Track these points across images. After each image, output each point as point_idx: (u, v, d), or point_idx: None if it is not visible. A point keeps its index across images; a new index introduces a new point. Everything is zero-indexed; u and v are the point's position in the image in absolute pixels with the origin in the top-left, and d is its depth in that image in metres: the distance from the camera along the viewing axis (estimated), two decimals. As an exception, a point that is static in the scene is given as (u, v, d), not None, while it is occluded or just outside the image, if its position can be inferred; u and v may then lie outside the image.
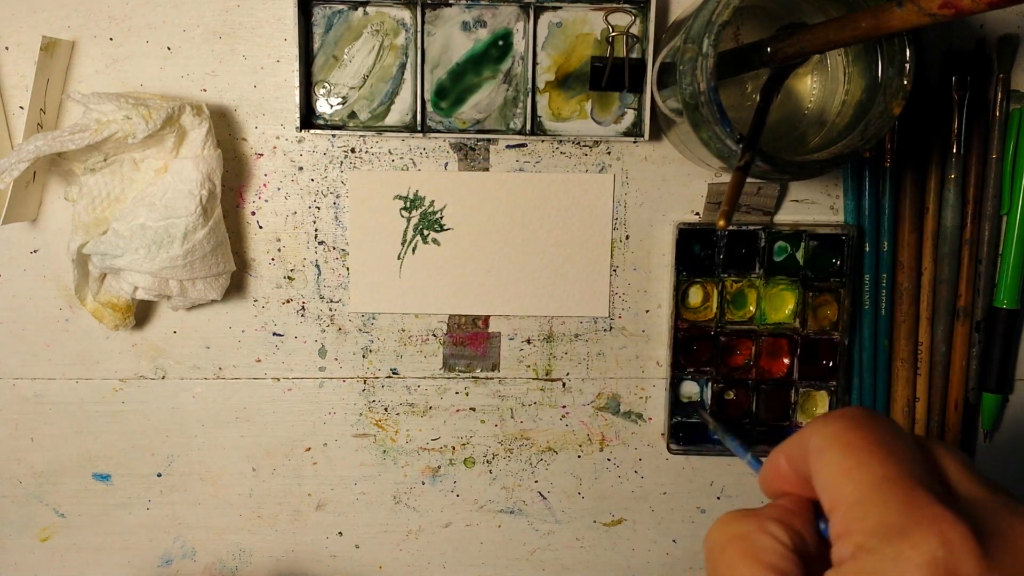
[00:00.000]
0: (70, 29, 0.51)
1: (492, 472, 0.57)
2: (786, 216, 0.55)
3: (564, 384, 0.56)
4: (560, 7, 0.51)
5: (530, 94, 0.52)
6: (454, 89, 0.52)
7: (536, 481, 0.57)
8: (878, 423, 0.26)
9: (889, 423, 0.26)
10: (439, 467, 0.57)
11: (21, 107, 0.52)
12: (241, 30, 0.52)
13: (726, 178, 0.54)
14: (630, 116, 0.53)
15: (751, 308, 0.54)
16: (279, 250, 0.54)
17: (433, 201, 0.54)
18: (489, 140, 0.53)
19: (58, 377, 0.56)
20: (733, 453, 0.48)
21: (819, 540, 0.27)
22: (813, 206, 0.55)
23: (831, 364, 0.55)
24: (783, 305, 0.54)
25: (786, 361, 0.55)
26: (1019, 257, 0.53)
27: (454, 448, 0.57)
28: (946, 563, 0.22)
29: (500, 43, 0.52)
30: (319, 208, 0.54)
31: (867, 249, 0.54)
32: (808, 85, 0.49)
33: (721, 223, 0.38)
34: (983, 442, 0.57)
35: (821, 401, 0.55)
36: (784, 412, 0.55)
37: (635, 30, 0.51)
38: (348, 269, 0.55)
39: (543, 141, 0.53)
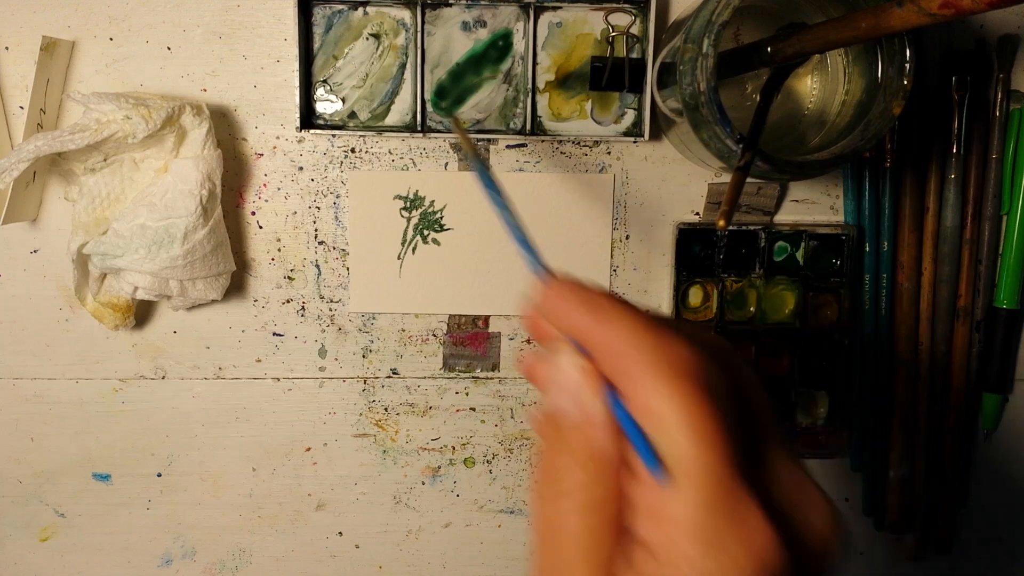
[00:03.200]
0: (70, 29, 0.51)
1: (492, 472, 0.57)
2: (786, 216, 0.55)
3: (564, 384, 0.56)
4: (560, 7, 0.51)
5: (530, 94, 0.52)
6: (454, 89, 0.52)
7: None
8: (718, 397, 0.25)
9: (720, 386, 0.26)
10: (439, 467, 0.57)
11: (21, 107, 0.52)
12: (241, 30, 0.52)
13: (726, 178, 0.54)
14: (630, 116, 0.53)
15: (751, 308, 0.54)
16: (279, 250, 0.54)
17: (433, 201, 0.54)
18: (489, 140, 0.53)
19: (58, 377, 0.56)
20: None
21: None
22: (813, 206, 0.55)
23: (831, 364, 0.54)
24: (783, 305, 0.54)
25: (786, 361, 0.55)
26: (1019, 257, 0.53)
27: (454, 448, 0.57)
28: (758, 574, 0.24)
29: (500, 43, 0.52)
30: (319, 208, 0.54)
31: (867, 249, 0.54)
32: (808, 85, 0.49)
33: (721, 223, 0.38)
34: (983, 442, 0.57)
35: (821, 401, 0.55)
36: (786, 413, 0.55)
37: (635, 30, 0.51)
38: (348, 269, 0.55)
39: (543, 141, 0.53)
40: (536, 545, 0.27)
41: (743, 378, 0.28)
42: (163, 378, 0.56)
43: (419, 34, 0.51)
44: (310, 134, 0.53)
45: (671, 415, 0.24)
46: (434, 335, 0.56)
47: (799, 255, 0.54)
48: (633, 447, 0.25)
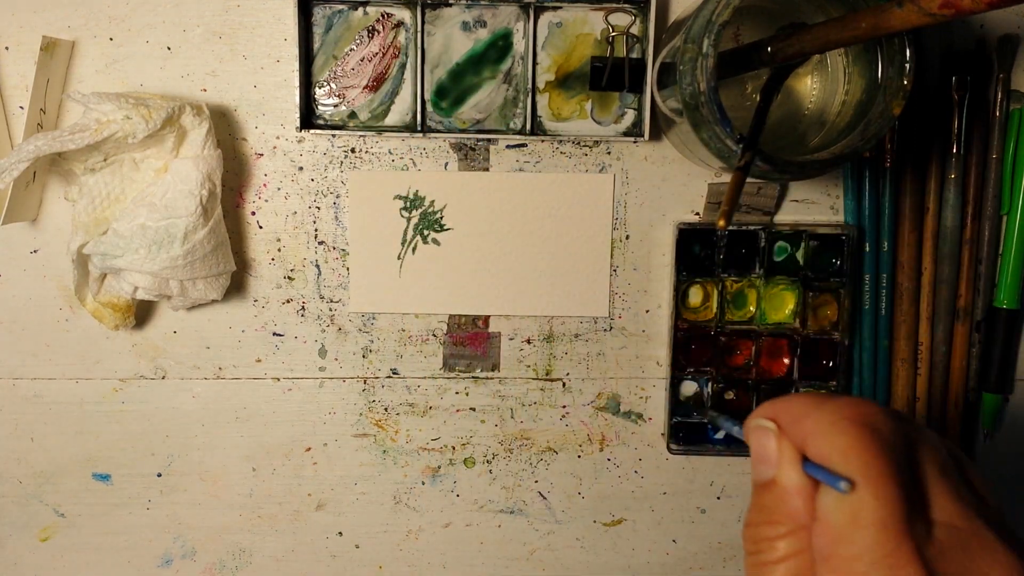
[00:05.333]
0: (70, 29, 0.51)
1: (492, 472, 0.57)
2: (786, 216, 0.55)
3: (564, 384, 0.56)
4: (560, 7, 0.51)
5: (530, 94, 0.52)
6: (454, 89, 0.52)
7: (536, 481, 0.57)
8: (888, 445, 0.26)
9: (893, 438, 0.27)
10: (439, 467, 0.57)
11: (21, 107, 0.52)
12: (241, 30, 0.52)
13: (726, 178, 0.54)
14: (630, 116, 0.53)
15: (751, 308, 0.54)
16: (279, 250, 0.54)
17: (433, 201, 0.54)
18: (489, 140, 0.53)
19: (58, 377, 0.56)
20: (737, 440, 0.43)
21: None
22: (813, 206, 0.55)
23: (831, 364, 0.55)
24: (783, 305, 0.54)
25: (786, 361, 0.55)
26: (1019, 257, 0.53)
27: (454, 448, 0.57)
28: None
29: (500, 43, 0.52)
30: (319, 208, 0.54)
31: (867, 249, 0.54)
32: (808, 85, 0.49)
33: (721, 223, 0.38)
34: (983, 442, 0.57)
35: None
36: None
37: (635, 30, 0.51)
38: (348, 269, 0.55)
39: (543, 141, 0.53)
40: None
41: (916, 432, 0.29)
42: (163, 378, 0.56)
43: (419, 34, 0.51)
44: (310, 134, 0.53)
45: (842, 459, 0.26)
46: (434, 335, 0.56)
47: (799, 255, 0.54)
48: (822, 482, 0.27)
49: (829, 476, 0.26)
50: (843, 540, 0.26)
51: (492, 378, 0.56)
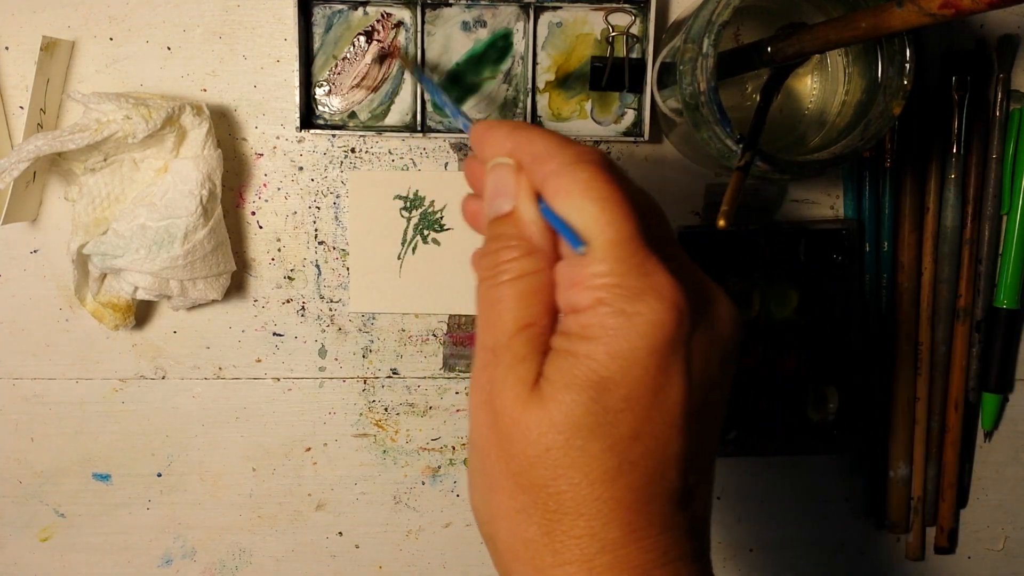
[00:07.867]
0: (70, 29, 0.51)
1: (492, 472, 0.57)
2: (786, 214, 0.54)
3: (564, 384, 0.56)
4: (560, 7, 0.51)
5: (530, 94, 0.52)
6: (454, 89, 0.52)
7: (536, 481, 0.57)
8: (621, 178, 0.30)
9: (626, 178, 0.31)
10: (439, 467, 0.57)
11: (21, 107, 0.52)
12: (241, 30, 0.52)
13: (724, 179, 0.54)
14: (630, 116, 0.53)
15: (755, 308, 0.54)
16: (279, 250, 0.54)
17: (433, 201, 0.54)
18: (489, 140, 0.53)
19: (58, 377, 0.56)
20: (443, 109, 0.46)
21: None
22: (813, 206, 0.55)
23: (839, 358, 0.54)
24: (787, 303, 0.54)
25: (793, 358, 0.55)
26: (1019, 257, 0.53)
27: (454, 448, 0.57)
28: (667, 323, 0.27)
29: (500, 43, 0.52)
30: (319, 208, 0.54)
31: (867, 249, 0.54)
32: (808, 85, 0.49)
33: (721, 223, 0.38)
34: (983, 442, 0.57)
35: (832, 395, 0.55)
36: (797, 409, 0.55)
37: (635, 30, 0.51)
38: (348, 269, 0.55)
39: (543, 141, 0.53)
40: (479, 325, 0.31)
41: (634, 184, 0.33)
42: (163, 378, 0.56)
43: (419, 34, 0.51)
44: (310, 134, 0.53)
45: (584, 191, 0.28)
46: (434, 335, 0.56)
47: (800, 252, 0.54)
48: (558, 233, 0.29)
49: (568, 231, 0.28)
50: (590, 260, 0.28)
51: (492, 378, 0.56)
